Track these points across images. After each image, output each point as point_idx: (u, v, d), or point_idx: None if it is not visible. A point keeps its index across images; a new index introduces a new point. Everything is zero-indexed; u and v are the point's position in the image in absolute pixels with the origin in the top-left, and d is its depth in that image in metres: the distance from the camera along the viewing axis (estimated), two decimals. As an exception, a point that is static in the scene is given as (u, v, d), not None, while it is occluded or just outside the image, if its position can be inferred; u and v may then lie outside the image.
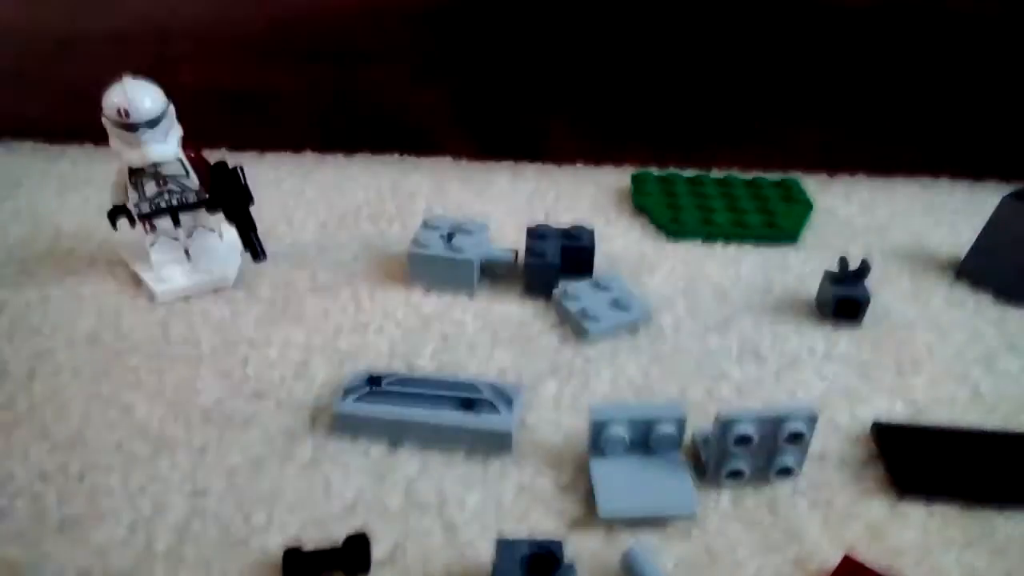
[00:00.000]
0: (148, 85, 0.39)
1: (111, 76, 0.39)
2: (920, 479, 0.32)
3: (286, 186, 0.57)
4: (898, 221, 0.54)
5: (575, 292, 0.43)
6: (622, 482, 0.31)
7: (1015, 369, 0.40)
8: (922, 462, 0.33)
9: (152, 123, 0.39)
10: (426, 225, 0.46)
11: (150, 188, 0.42)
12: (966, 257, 0.47)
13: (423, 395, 0.35)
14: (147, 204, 0.42)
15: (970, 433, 0.35)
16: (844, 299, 0.42)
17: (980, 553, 0.30)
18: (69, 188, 0.57)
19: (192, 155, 0.42)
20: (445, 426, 0.33)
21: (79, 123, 0.63)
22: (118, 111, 0.38)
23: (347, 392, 0.35)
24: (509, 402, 0.35)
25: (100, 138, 0.63)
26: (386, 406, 0.34)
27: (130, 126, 0.39)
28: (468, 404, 0.34)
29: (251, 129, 0.63)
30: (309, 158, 0.63)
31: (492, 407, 0.34)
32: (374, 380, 0.35)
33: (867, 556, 0.29)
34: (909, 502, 0.32)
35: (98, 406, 0.36)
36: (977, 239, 0.47)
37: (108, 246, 0.48)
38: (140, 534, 0.30)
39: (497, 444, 0.34)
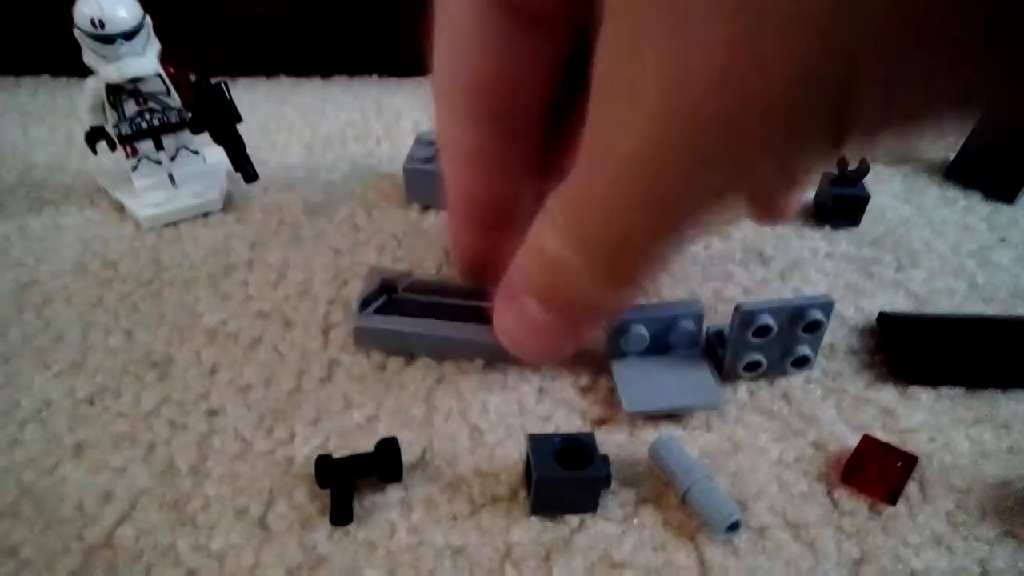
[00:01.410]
0: (122, -7, 0.37)
1: (68, 3, 0.36)
2: (926, 365, 0.33)
3: (264, 110, 0.55)
4: (886, 127, 0.55)
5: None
6: (645, 380, 0.31)
7: (1007, 261, 0.41)
8: (927, 349, 0.34)
9: (129, 35, 0.36)
10: (419, 140, 0.45)
11: (130, 108, 0.39)
12: (956, 156, 0.48)
13: (442, 304, 0.34)
14: (128, 125, 0.40)
15: (971, 320, 0.36)
16: (844, 198, 0.42)
17: (986, 429, 0.31)
18: (33, 120, 0.53)
19: (172, 71, 0.40)
20: (468, 339, 0.33)
21: (33, 53, 0.59)
22: (92, 21, 0.35)
23: (364, 303, 0.34)
24: None
25: (58, 69, 0.60)
26: (407, 318, 0.33)
27: (105, 38, 0.36)
28: (487, 315, 0.33)
29: (220, 53, 0.60)
30: (284, 82, 0.60)
31: None
32: (388, 286, 0.34)
33: (882, 437, 0.30)
34: (917, 387, 0.33)
35: (97, 333, 0.35)
36: (966, 139, 0.47)
37: (84, 175, 0.46)
38: (160, 453, 0.29)
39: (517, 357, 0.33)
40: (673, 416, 0.31)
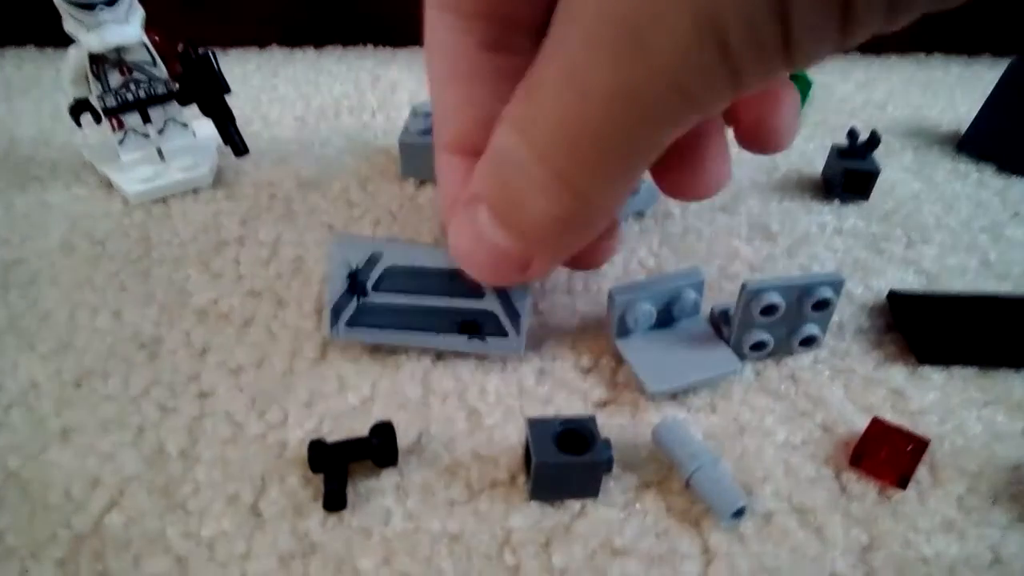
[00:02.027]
0: (102, -43, 0.35)
1: None
2: (937, 345, 0.32)
3: (255, 82, 0.54)
4: (896, 98, 0.53)
5: (578, 177, 0.41)
6: (659, 357, 0.30)
7: (1021, 236, 0.40)
8: (938, 328, 0.33)
9: (110, 0, 0.35)
10: (415, 113, 0.43)
11: (114, 79, 0.38)
12: (968, 130, 0.47)
13: (419, 308, 0.30)
14: (113, 97, 0.38)
15: (983, 299, 0.35)
16: (854, 172, 0.41)
17: (999, 410, 0.30)
18: (17, 93, 0.52)
19: (157, 40, 0.38)
20: (448, 351, 0.31)
21: (17, 23, 0.57)
22: (72, -13, 0.34)
23: (335, 313, 0.31)
24: (516, 316, 0.30)
25: (42, 40, 0.58)
26: (383, 331, 0.31)
27: (86, 4, 0.35)
28: (470, 325, 0.30)
29: (210, 26, 0.58)
30: (277, 53, 0.58)
31: (498, 325, 0.30)
32: (356, 283, 0.30)
33: (892, 419, 0.29)
34: (929, 367, 0.32)
35: (84, 313, 0.34)
36: (980, 110, 0.46)
37: (71, 149, 0.45)
38: (149, 437, 0.29)
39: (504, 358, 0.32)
40: (676, 397, 0.30)
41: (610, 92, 0.18)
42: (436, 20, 0.23)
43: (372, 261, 0.30)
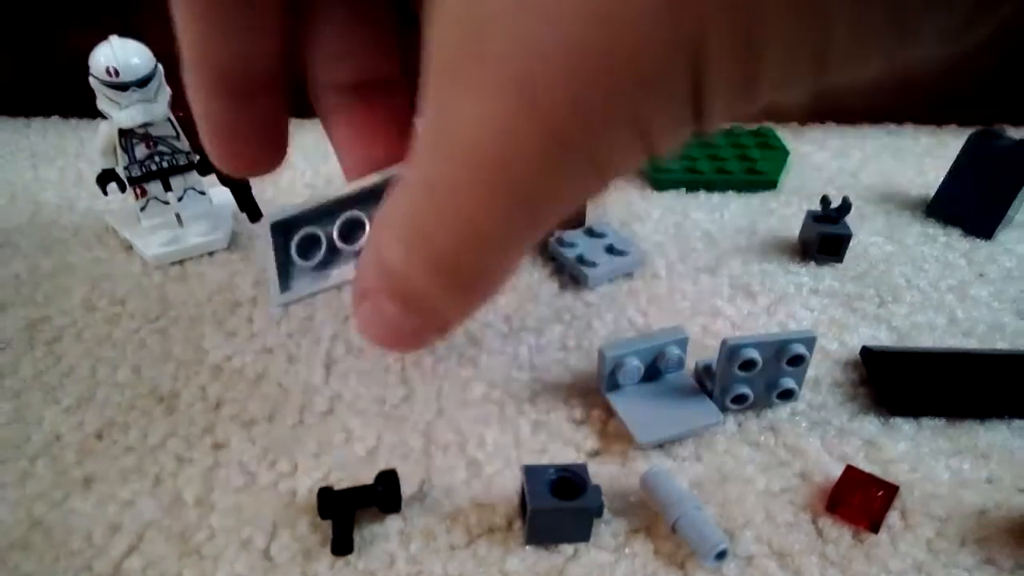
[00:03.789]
0: (136, 44, 0.38)
1: (78, 47, 0.38)
2: (908, 397, 0.34)
3: (267, 151, 0.57)
4: (869, 165, 0.57)
5: (570, 239, 0.44)
6: (647, 410, 0.33)
7: (986, 296, 0.42)
8: (908, 382, 0.35)
9: (142, 82, 0.38)
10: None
11: (140, 151, 0.41)
12: (935, 196, 0.50)
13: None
14: (138, 167, 0.41)
15: (950, 354, 0.38)
16: (828, 236, 0.43)
17: (966, 459, 0.32)
18: (43, 161, 0.55)
19: (181, 115, 0.41)
20: None
21: (43, 95, 0.61)
22: (107, 70, 0.37)
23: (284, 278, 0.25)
24: None
25: (67, 111, 0.62)
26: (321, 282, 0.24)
27: (120, 85, 0.38)
28: None
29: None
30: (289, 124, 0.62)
31: None
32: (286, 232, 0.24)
33: (865, 467, 0.31)
34: (900, 419, 0.34)
35: (105, 369, 0.36)
36: (945, 178, 0.49)
37: (93, 215, 0.48)
38: (166, 486, 0.30)
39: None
40: (663, 447, 0.32)
41: (540, 195, 0.15)
42: None
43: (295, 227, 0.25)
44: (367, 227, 0.23)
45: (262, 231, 0.23)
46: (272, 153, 0.25)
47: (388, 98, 0.25)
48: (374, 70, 0.24)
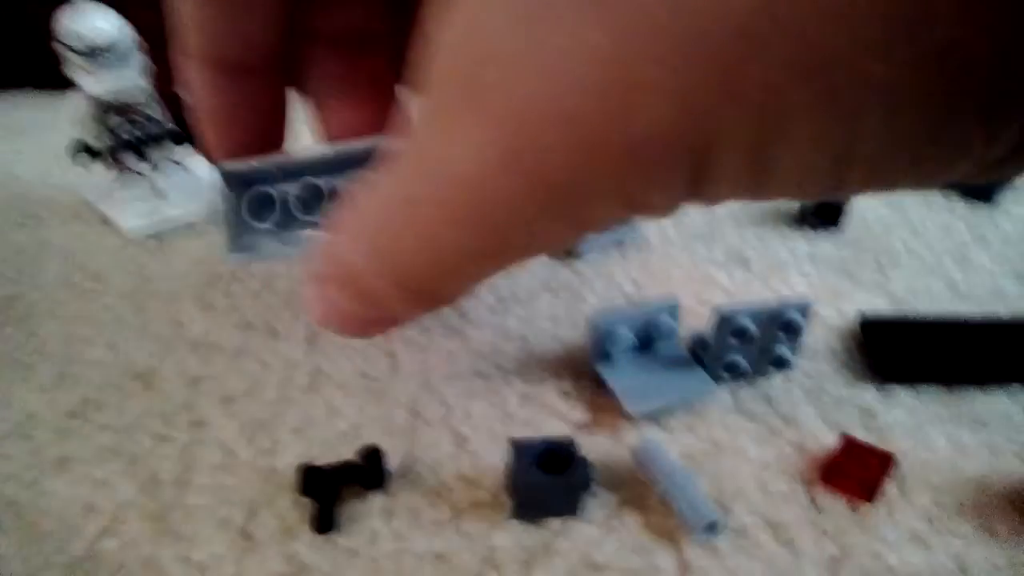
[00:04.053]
0: (103, 7, 0.37)
1: (48, 13, 0.36)
2: (905, 365, 0.34)
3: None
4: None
5: (560, 209, 0.42)
6: (638, 380, 0.32)
7: (985, 260, 0.41)
8: (906, 349, 0.34)
9: (111, 48, 0.37)
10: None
11: (114, 120, 0.40)
12: (934, 159, 0.49)
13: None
14: (112, 137, 0.40)
15: (949, 322, 0.37)
16: (824, 202, 0.42)
17: (964, 426, 0.31)
18: (15, 134, 0.54)
19: (156, 83, 0.40)
20: None
21: (15, 67, 0.59)
22: (74, 34, 0.36)
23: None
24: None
25: (40, 83, 0.60)
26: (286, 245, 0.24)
27: (87, 52, 0.36)
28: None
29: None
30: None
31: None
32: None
33: (861, 436, 0.30)
34: (896, 387, 0.33)
35: (79, 346, 0.35)
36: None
37: (69, 188, 0.46)
38: (143, 465, 0.29)
39: None
40: (655, 419, 0.31)
41: (514, 238, 0.15)
42: None
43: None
44: (324, 198, 0.22)
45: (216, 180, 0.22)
46: (268, 139, 0.25)
47: (372, 57, 0.24)
48: (361, 19, 0.23)
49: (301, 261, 0.21)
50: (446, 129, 0.14)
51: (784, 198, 0.14)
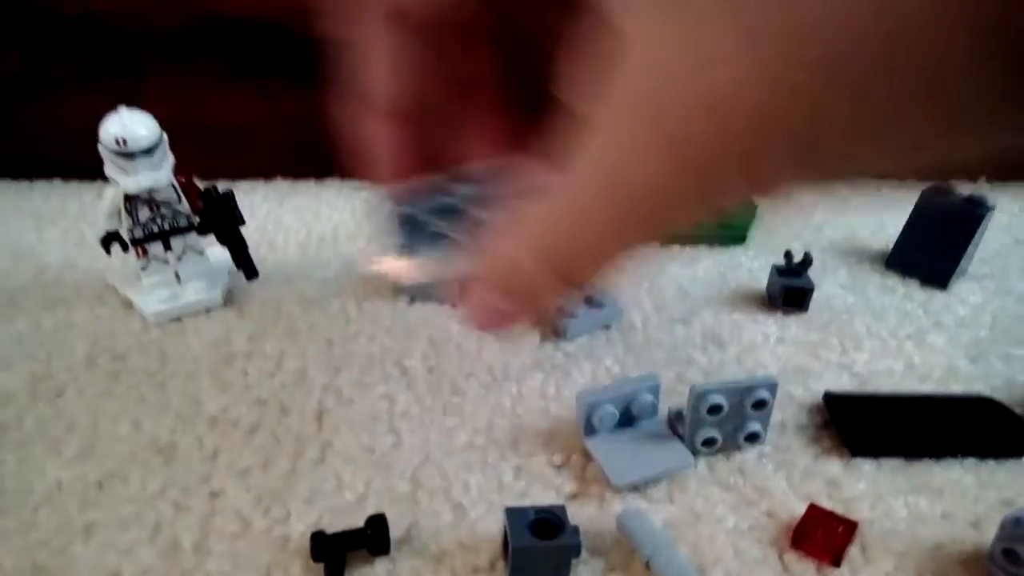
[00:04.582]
0: (143, 115, 0.41)
1: (80, 113, 0.41)
2: (868, 439, 0.37)
3: (262, 212, 0.60)
4: (832, 219, 0.60)
5: (551, 294, 0.46)
6: (623, 454, 0.35)
7: (941, 343, 0.45)
8: (869, 425, 0.37)
9: (148, 151, 0.41)
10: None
11: (143, 214, 0.44)
12: (893, 249, 0.53)
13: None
14: (141, 229, 0.44)
15: (908, 398, 0.40)
16: (792, 288, 0.46)
17: (922, 496, 0.34)
18: (46, 223, 0.58)
19: (183, 181, 0.44)
20: None
21: (46, 160, 0.64)
22: (116, 140, 0.40)
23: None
24: None
25: (68, 174, 0.65)
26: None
27: (127, 154, 0.41)
28: None
29: (223, 159, 0.65)
30: (281, 185, 0.65)
31: None
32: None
33: (828, 505, 0.33)
34: (860, 459, 0.36)
35: (105, 422, 0.38)
36: (901, 232, 0.53)
37: (94, 274, 0.50)
38: (164, 533, 0.32)
39: None
40: (638, 489, 0.34)
41: (656, 218, 0.18)
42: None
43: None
44: (465, 215, 0.24)
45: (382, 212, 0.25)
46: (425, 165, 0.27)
47: (480, 95, 0.26)
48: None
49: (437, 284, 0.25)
50: (620, 142, 0.17)
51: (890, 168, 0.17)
